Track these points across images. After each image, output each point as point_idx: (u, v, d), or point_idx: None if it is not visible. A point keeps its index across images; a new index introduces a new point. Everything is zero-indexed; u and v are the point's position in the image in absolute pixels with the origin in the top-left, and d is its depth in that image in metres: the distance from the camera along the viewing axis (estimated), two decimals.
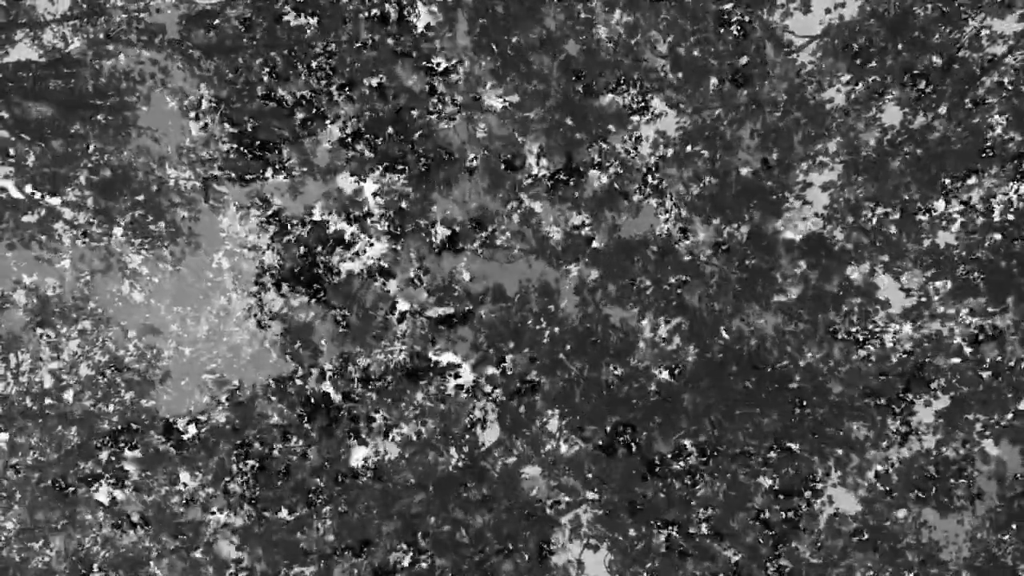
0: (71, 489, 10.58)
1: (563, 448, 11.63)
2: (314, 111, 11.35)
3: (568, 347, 11.68)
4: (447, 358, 11.39)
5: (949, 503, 11.14)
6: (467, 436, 11.26)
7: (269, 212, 11.16)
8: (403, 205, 11.40)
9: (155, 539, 10.60)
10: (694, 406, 11.32)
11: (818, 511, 11.17)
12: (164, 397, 11.39)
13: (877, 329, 11.08)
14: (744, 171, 11.53)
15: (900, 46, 10.97)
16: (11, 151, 11.06)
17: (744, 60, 11.13)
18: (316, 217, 11.12)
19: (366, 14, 11.38)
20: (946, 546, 11.43)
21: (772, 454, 11.20)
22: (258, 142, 11.21)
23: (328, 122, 11.34)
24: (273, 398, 11.02)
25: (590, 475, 11.42)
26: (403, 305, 11.31)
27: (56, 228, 11.18)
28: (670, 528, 11.05)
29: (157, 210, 11.63)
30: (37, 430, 10.70)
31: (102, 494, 10.50)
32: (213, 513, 10.62)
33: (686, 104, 11.61)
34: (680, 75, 11.45)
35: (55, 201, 10.50)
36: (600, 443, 11.31)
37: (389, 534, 10.88)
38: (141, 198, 11.57)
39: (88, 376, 11.16)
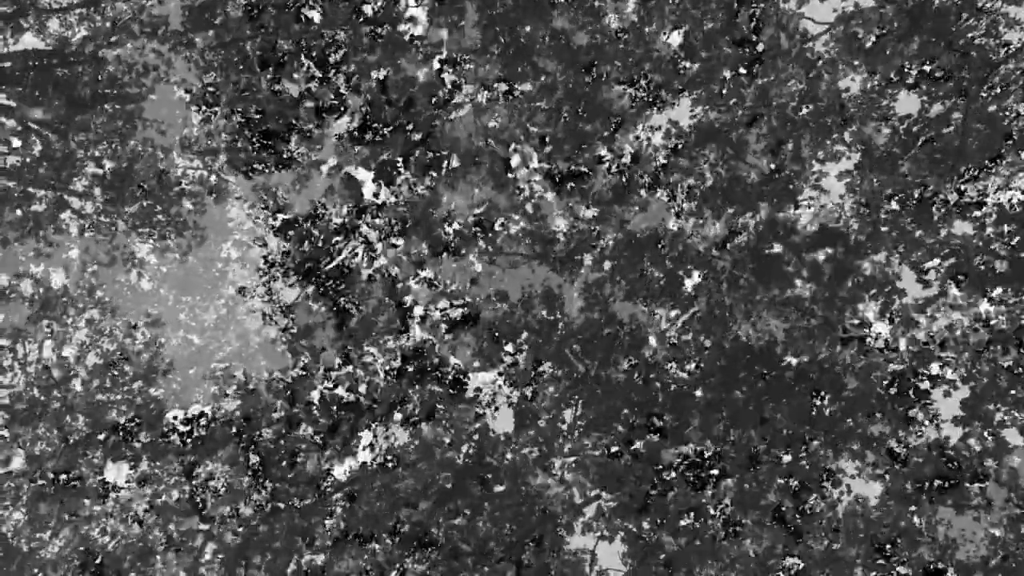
0: (73, 483, 10.49)
1: (568, 447, 11.51)
2: (319, 103, 11.26)
3: (576, 345, 11.57)
4: (462, 360, 11.28)
5: (966, 499, 10.97)
6: (478, 424, 11.15)
7: (277, 211, 11.07)
8: (408, 203, 11.30)
9: (163, 530, 10.52)
10: (707, 403, 11.19)
11: (836, 500, 11.03)
12: (173, 386, 11.27)
13: (892, 321, 10.95)
14: (752, 176, 11.41)
15: (917, 39, 10.84)
16: (16, 141, 10.98)
17: (760, 47, 10.99)
18: (335, 220, 11.00)
19: (372, 5, 11.29)
20: (963, 544, 11.26)
21: (788, 456, 11.06)
22: (265, 130, 11.13)
23: (334, 118, 11.25)
24: (277, 390, 10.93)
25: (596, 478, 11.31)
26: (419, 308, 11.19)
27: (63, 217, 11.11)
28: (689, 514, 10.93)
29: (163, 200, 11.55)
30: (43, 420, 10.62)
31: (133, 499, 10.40)
32: (211, 520, 10.52)
33: (701, 93, 11.48)
34: (696, 63, 11.32)
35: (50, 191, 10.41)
36: (609, 449, 11.20)
37: (390, 545, 10.79)
38: (146, 188, 11.49)
39: (96, 365, 11.09)
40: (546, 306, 11.71)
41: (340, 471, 10.80)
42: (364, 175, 11.22)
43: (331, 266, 10.76)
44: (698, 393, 11.27)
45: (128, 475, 10.53)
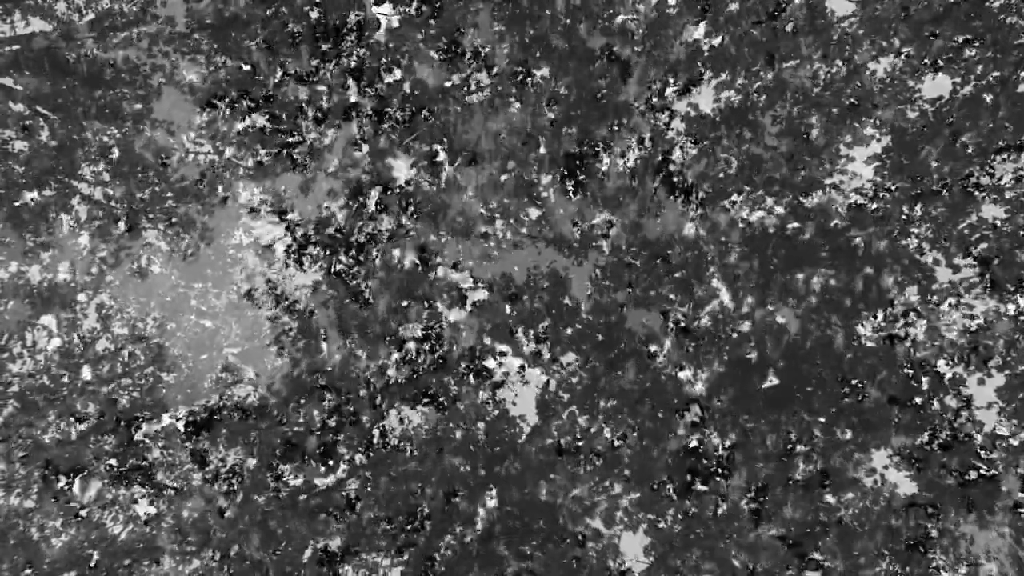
0: (72, 480, 10.35)
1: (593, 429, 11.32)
2: (328, 101, 11.09)
3: (584, 346, 11.38)
4: (471, 341, 11.11)
5: (991, 511, 10.70)
6: (496, 408, 10.98)
7: (282, 213, 10.91)
8: (422, 193, 11.11)
9: (173, 523, 10.42)
10: (722, 414, 10.99)
11: (870, 488, 10.82)
12: (185, 372, 11.12)
13: (928, 308, 10.69)
14: (771, 162, 11.16)
15: (950, 17, 10.55)
16: (26, 124, 10.82)
17: (789, 26, 10.71)
18: (370, 210, 10.82)
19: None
20: (988, 561, 10.99)
21: (807, 448, 10.85)
22: (273, 114, 10.95)
23: (342, 120, 11.09)
24: (279, 390, 10.78)
25: (604, 468, 11.15)
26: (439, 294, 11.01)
27: (72, 203, 10.95)
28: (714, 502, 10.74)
29: (170, 184, 11.41)
30: (52, 409, 10.50)
31: (141, 507, 10.30)
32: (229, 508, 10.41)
33: (726, 77, 11.22)
34: (719, 47, 11.06)
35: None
36: (621, 439, 11.03)
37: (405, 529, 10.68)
38: (150, 173, 11.35)
39: (107, 349, 10.96)
40: (553, 291, 11.49)
41: (323, 482, 10.71)
42: (399, 164, 11.05)
43: (326, 262, 10.60)
44: (714, 403, 11.06)
45: (98, 490, 10.37)
